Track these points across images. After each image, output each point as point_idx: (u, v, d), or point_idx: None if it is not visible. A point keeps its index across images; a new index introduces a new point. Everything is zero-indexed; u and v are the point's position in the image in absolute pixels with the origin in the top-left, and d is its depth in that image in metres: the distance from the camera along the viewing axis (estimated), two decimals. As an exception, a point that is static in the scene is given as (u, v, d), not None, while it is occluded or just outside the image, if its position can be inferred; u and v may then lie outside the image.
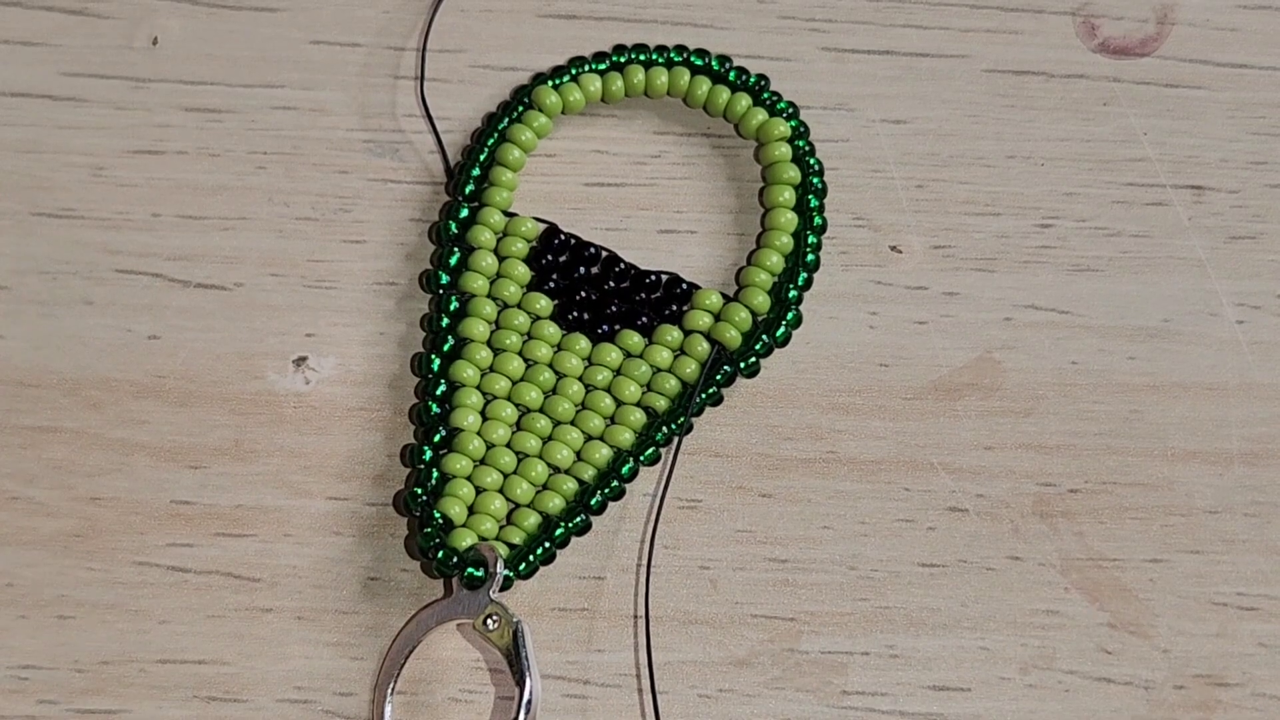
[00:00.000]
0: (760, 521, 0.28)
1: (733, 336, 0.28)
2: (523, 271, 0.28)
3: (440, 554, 0.26)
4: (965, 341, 0.29)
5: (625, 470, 0.27)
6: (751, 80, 0.29)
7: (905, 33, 0.30)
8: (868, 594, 0.27)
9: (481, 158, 0.28)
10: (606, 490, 0.27)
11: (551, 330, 0.28)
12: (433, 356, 0.27)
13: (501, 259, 0.28)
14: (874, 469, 0.28)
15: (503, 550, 0.26)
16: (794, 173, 0.29)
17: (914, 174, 0.30)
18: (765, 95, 0.29)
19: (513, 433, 0.27)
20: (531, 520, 0.27)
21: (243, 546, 0.27)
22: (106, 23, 0.29)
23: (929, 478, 0.28)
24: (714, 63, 0.29)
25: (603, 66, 0.29)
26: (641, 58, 0.29)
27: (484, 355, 0.27)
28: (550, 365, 0.27)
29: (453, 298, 0.28)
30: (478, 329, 0.27)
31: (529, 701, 0.25)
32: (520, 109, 0.29)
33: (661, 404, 0.27)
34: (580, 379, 0.27)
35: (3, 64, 0.29)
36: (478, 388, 0.27)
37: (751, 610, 0.27)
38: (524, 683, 0.25)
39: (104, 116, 0.28)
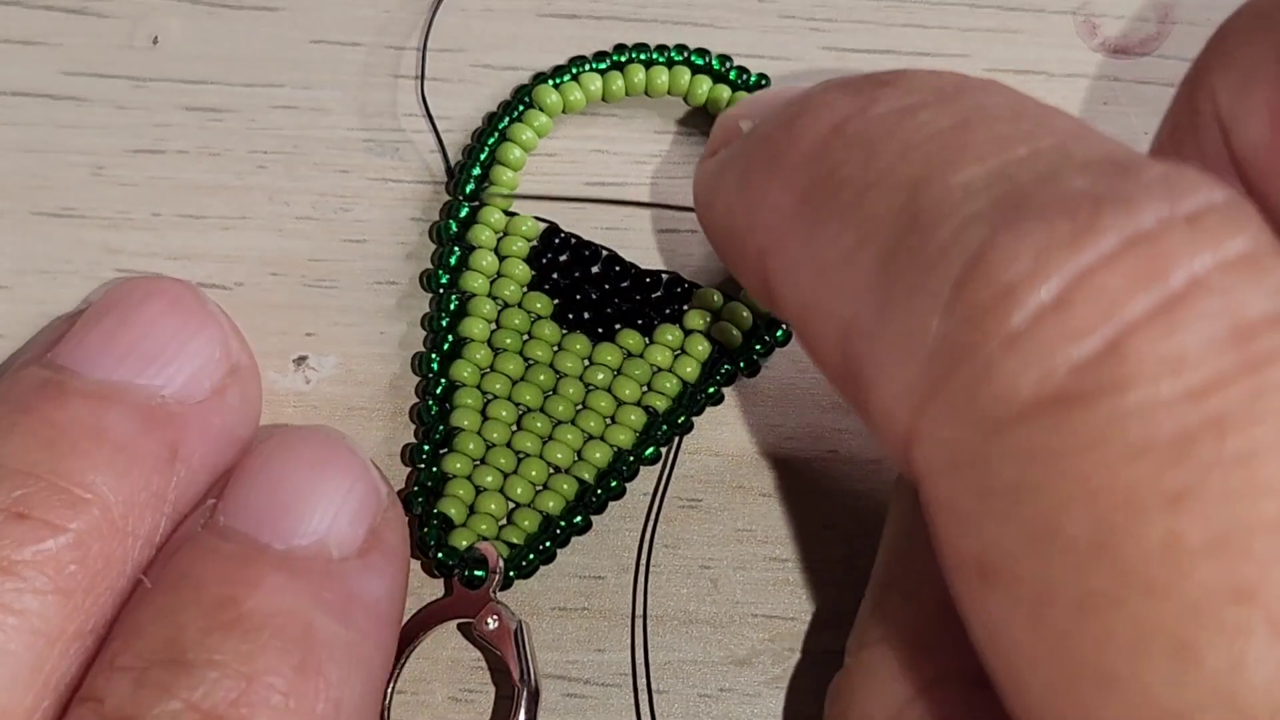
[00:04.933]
0: (761, 521, 0.28)
1: (734, 335, 0.28)
2: (523, 271, 0.28)
3: (440, 554, 0.26)
4: (966, 341, 0.29)
5: (625, 469, 0.27)
6: (752, 80, 0.29)
7: (906, 32, 0.30)
8: (868, 594, 0.27)
9: (482, 157, 0.28)
10: (606, 489, 0.27)
11: (551, 330, 0.28)
12: (432, 356, 0.27)
13: (502, 258, 0.28)
14: (875, 468, 0.28)
15: (503, 550, 0.26)
16: (795, 171, 0.29)
17: (914, 173, 0.29)
18: (766, 93, 0.29)
19: (512, 432, 0.27)
20: (531, 520, 0.27)
21: (243, 546, 0.27)
22: (106, 22, 0.29)
23: (929, 477, 0.28)
24: (714, 62, 0.29)
25: (603, 66, 0.29)
26: (642, 57, 0.29)
27: (484, 355, 0.27)
28: (550, 365, 0.27)
29: (453, 297, 0.28)
30: (477, 328, 0.27)
31: (530, 701, 0.25)
32: (521, 108, 0.29)
33: (662, 403, 0.27)
34: (580, 378, 0.27)
35: (3, 64, 0.29)
36: (477, 387, 0.27)
37: (752, 610, 0.27)
38: (525, 682, 0.25)
39: (104, 116, 0.28)
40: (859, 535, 0.27)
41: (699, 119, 0.30)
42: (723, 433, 0.28)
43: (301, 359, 0.28)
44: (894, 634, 0.22)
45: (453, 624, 0.26)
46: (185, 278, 0.28)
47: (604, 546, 0.27)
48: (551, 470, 0.27)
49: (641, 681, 0.27)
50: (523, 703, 0.25)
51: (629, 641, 0.27)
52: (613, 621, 0.27)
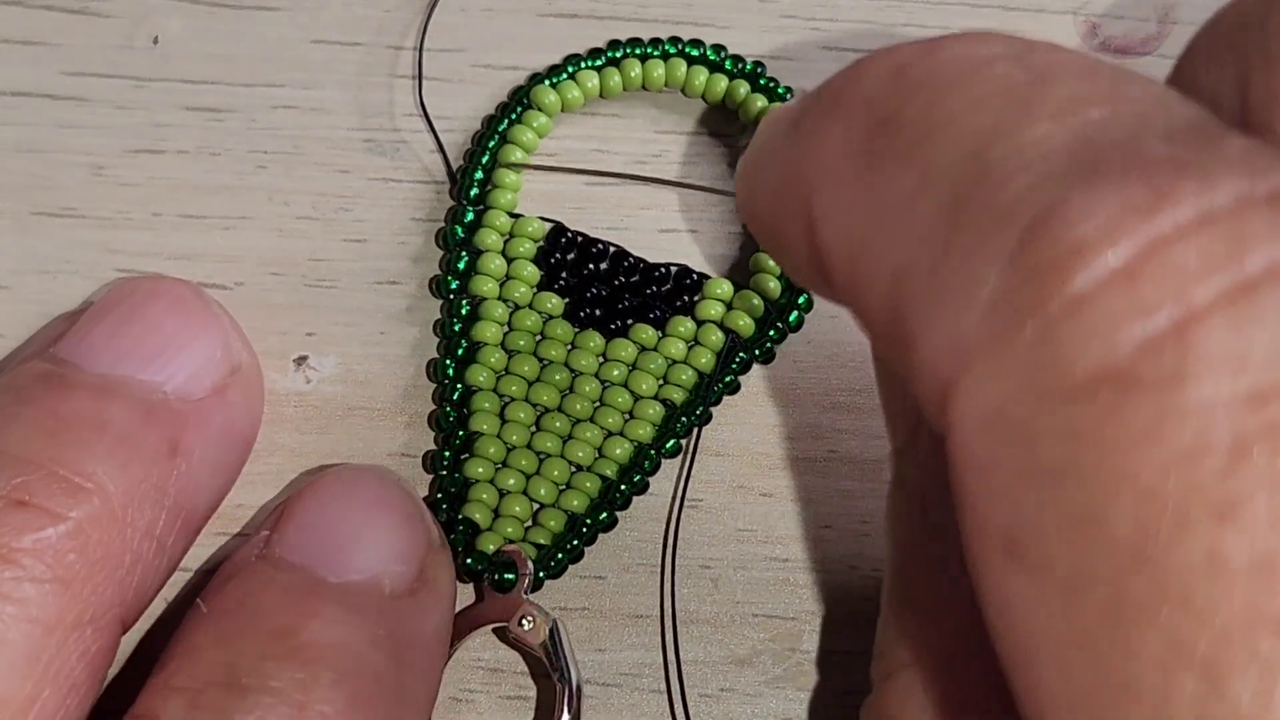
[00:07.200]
0: (761, 521, 0.28)
1: (746, 324, 0.28)
2: (532, 272, 0.28)
3: (469, 559, 0.26)
4: (966, 341, 0.29)
5: (647, 464, 0.27)
6: (748, 67, 0.29)
7: (907, 32, 0.30)
8: (869, 593, 0.27)
9: (484, 160, 0.28)
10: (630, 485, 0.27)
11: (564, 329, 0.28)
12: (447, 362, 0.27)
13: (510, 260, 0.28)
14: (875, 468, 0.28)
15: (530, 551, 0.26)
16: (798, 155, 0.29)
17: (915, 173, 0.29)
18: (763, 80, 0.29)
19: (532, 434, 0.27)
20: (557, 520, 0.27)
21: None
22: (107, 22, 0.29)
23: (930, 477, 0.28)
24: (709, 52, 0.29)
25: (599, 63, 0.29)
26: (637, 51, 0.29)
27: (498, 358, 0.27)
28: (565, 364, 0.27)
29: (463, 302, 0.28)
30: (490, 332, 0.27)
31: (572, 698, 0.25)
32: (519, 109, 0.29)
33: (679, 396, 0.27)
34: (596, 375, 0.27)
35: (3, 64, 0.29)
36: (494, 390, 0.27)
37: (753, 610, 0.27)
38: (565, 680, 0.25)
39: (104, 116, 0.28)
40: (859, 535, 0.27)
41: (699, 116, 0.30)
42: (723, 433, 0.28)
43: (301, 359, 0.28)
44: (923, 657, 0.22)
45: (487, 628, 0.26)
46: (185, 278, 0.28)
47: (605, 546, 0.27)
48: (574, 469, 0.27)
49: (663, 683, 0.27)
50: (565, 700, 0.25)
51: (629, 641, 0.27)
52: (613, 622, 0.27)
